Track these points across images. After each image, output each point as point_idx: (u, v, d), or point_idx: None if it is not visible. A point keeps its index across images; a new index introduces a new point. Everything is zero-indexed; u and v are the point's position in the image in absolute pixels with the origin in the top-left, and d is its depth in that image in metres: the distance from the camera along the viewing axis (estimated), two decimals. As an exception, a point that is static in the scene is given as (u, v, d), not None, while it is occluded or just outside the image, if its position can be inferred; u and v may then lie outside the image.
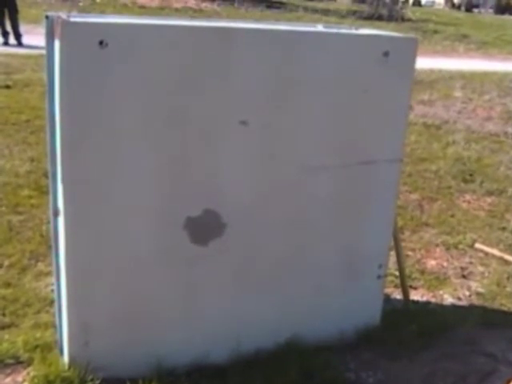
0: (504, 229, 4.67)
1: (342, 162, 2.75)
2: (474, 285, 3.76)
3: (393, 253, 3.34)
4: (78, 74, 2.20)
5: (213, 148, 2.48)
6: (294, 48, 2.51)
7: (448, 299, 3.57)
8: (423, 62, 5.68)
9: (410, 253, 4.10)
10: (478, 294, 3.65)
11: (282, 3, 23.98)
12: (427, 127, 7.69)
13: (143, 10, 17.81)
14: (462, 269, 3.96)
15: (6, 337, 2.81)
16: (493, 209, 5.09)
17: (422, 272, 3.86)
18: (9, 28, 11.56)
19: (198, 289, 2.63)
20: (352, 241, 2.91)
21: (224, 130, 2.49)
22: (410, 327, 3.04)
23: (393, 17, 22.69)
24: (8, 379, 2.58)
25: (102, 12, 13.96)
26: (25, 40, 11.47)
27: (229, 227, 2.58)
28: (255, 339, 2.71)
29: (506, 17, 32.44)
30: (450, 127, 7.81)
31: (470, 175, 5.86)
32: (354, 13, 23.03)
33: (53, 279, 2.69)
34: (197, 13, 19.01)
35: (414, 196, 5.24)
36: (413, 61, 2.76)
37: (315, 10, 22.68)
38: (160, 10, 18.33)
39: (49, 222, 2.80)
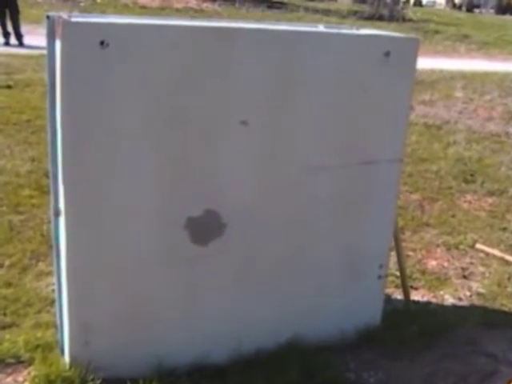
0: (505, 229, 4.67)
1: (342, 162, 2.75)
2: (474, 285, 3.76)
3: (393, 253, 3.34)
4: (78, 74, 2.21)
5: (213, 148, 2.49)
6: (295, 48, 2.51)
7: (449, 299, 3.57)
8: (424, 63, 5.68)
9: (410, 253, 4.10)
10: (478, 294, 3.65)
11: (282, 3, 23.99)
12: (428, 127, 7.68)
13: (144, 10, 17.82)
14: (463, 269, 3.95)
15: (7, 336, 2.81)
16: (494, 209, 5.09)
17: (423, 272, 3.86)
18: (10, 28, 11.57)
19: (199, 289, 2.63)
20: (352, 241, 2.91)
21: (224, 130, 2.49)
22: (410, 327, 3.04)
23: (394, 17, 22.69)
24: (9, 379, 2.58)
25: (103, 12, 13.95)
26: (26, 40, 11.48)
27: (229, 227, 2.58)
28: (256, 339, 2.71)
29: (507, 17, 32.42)
30: (450, 127, 7.80)
31: (471, 175, 5.85)
32: (355, 13, 23.03)
33: (53, 279, 2.70)
34: (198, 13, 19.01)
35: (415, 196, 5.23)
36: (414, 61, 2.76)
37: (316, 11, 22.69)
38: (161, 10, 18.34)
39: (49, 222, 2.80)
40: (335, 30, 3.01)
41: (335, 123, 2.70)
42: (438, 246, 4.28)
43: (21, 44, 11.49)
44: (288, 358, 2.70)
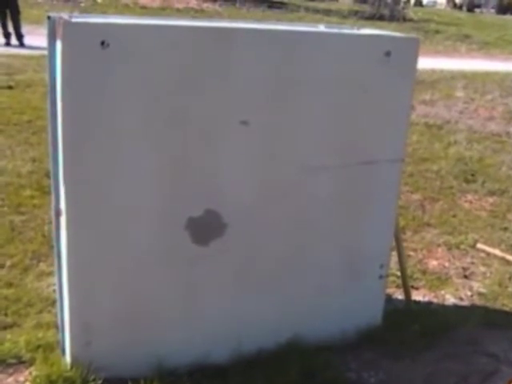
0: (506, 229, 4.66)
1: (343, 162, 2.75)
2: (475, 285, 3.76)
3: (394, 253, 3.34)
4: (79, 75, 2.21)
5: (213, 148, 2.49)
6: (295, 48, 2.51)
7: (450, 299, 3.57)
8: (425, 62, 5.68)
9: (411, 253, 4.10)
10: (479, 294, 3.65)
11: (283, 3, 24.00)
12: (429, 127, 7.68)
13: (144, 11, 17.84)
14: (464, 269, 3.95)
15: (9, 337, 2.81)
16: (495, 209, 5.08)
17: (424, 272, 3.86)
18: (11, 29, 11.58)
19: (199, 289, 2.63)
20: (353, 241, 2.91)
21: (224, 130, 2.49)
22: (411, 327, 3.04)
23: (394, 17, 22.71)
24: (10, 379, 2.58)
25: (104, 12, 13.97)
26: (26, 41, 11.48)
27: (230, 227, 2.59)
28: (256, 339, 2.71)
29: (508, 17, 32.42)
30: (451, 127, 7.80)
31: (472, 175, 5.85)
32: (356, 13, 23.04)
33: (55, 279, 2.70)
34: (198, 13, 19.03)
35: (416, 196, 5.23)
36: (414, 61, 2.76)
37: (317, 11, 22.70)
38: (161, 11, 18.35)
39: (51, 222, 2.81)
40: (335, 30, 3.01)
41: (336, 123, 2.70)
42: (438, 245, 4.28)
43: (21, 44, 11.49)
44: (288, 357, 2.70)
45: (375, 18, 22.26)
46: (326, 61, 2.58)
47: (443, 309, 3.42)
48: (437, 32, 20.70)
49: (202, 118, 2.43)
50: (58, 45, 2.21)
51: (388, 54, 2.65)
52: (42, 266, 3.50)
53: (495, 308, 3.50)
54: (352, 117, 2.71)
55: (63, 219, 2.40)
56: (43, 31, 2.44)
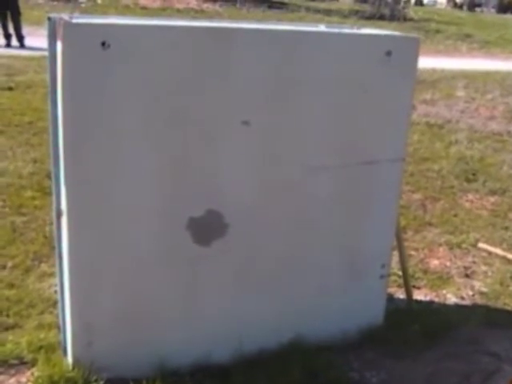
0: (507, 228, 4.66)
1: (344, 161, 2.75)
2: (477, 284, 3.75)
3: (396, 252, 3.34)
4: (80, 75, 2.21)
5: (214, 148, 2.49)
6: (295, 48, 2.51)
7: (451, 299, 3.57)
8: (425, 62, 5.69)
9: (413, 252, 4.10)
10: (481, 293, 3.65)
11: (283, 3, 24.00)
12: (430, 127, 7.68)
13: (145, 11, 17.84)
14: (465, 268, 3.95)
15: (10, 337, 2.81)
16: (496, 208, 5.08)
17: (425, 271, 3.86)
18: (11, 30, 11.58)
19: (201, 289, 2.63)
20: (354, 241, 2.91)
21: (225, 130, 2.49)
22: (413, 327, 3.04)
23: (395, 16, 22.70)
24: (12, 380, 2.59)
25: (104, 13, 13.98)
26: (27, 42, 11.49)
27: (231, 227, 2.59)
28: (258, 339, 2.71)
29: (509, 16, 32.40)
30: (452, 126, 7.80)
31: (473, 174, 5.85)
32: (356, 13, 23.03)
33: (56, 280, 2.70)
34: (198, 13, 19.03)
35: (417, 196, 5.23)
36: (415, 60, 2.75)
37: (317, 10, 22.70)
38: (162, 11, 18.36)
39: (52, 223, 2.81)
40: (336, 30, 3.01)
41: (336, 123, 2.70)
42: (440, 245, 4.28)
43: (22, 45, 11.50)
44: (290, 357, 2.70)
45: (376, 17, 22.25)
46: (327, 61, 2.58)
47: (445, 308, 3.42)
48: (437, 31, 20.69)
49: (202, 118, 2.43)
50: (59, 45, 2.21)
51: (389, 53, 2.65)
52: (44, 267, 3.50)
53: (497, 307, 3.50)
54: (353, 116, 2.71)
55: (64, 220, 2.40)
56: (44, 32, 2.44)
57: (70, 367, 2.51)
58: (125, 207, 2.42)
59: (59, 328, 2.71)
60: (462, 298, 3.58)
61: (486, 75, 12.08)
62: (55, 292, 2.97)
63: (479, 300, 3.58)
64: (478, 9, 37.62)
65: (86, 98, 2.24)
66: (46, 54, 2.36)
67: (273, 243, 2.72)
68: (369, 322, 2.99)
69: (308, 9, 22.59)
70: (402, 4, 25.38)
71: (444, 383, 2.78)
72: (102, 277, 2.45)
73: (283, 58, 2.50)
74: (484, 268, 3.98)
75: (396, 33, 3.07)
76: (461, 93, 9.96)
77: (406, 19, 22.95)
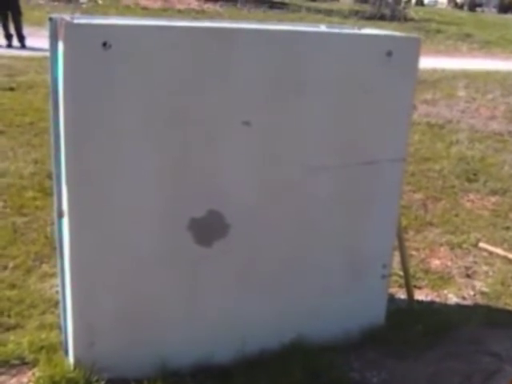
0: (508, 228, 4.66)
1: (345, 162, 2.75)
2: (478, 284, 3.75)
3: (397, 252, 3.33)
4: (81, 76, 2.21)
5: (215, 148, 2.49)
6: (296, 48, 2.51)
7: (452, 299, 3.57)
8: (426, 62, 5.68)
9: (414, 252, 4.10)
10: (482, 293, 3.65)
11: (284, 4, 24.00)
12: (431, 127, 7.68)
13: (146, 12, 17.84)
14: (467, 268, 3.95)
15: (12, 338, 2.82)
16: (497, 208, 5.08)
17: (427, 271, 3.86)
18: (12, 30, 11.59)
19: (202, 289, 2.63)
20: (356, 241, 2.91)
21: (226, 130, 2.49)
22: (414, 327, 3.04)
23: (395, 16, 22.69)
24: (13, 380, 2.59)
25: (105, 14, 13.98)
26: (28, 42, 11.49)
27: (232, 228, 2.59)
28: (259, 340, 2.71)
29: (509, 16, 32.39)
30: (453, 126, 7.80)
31: (474, 174, 5.85)
32: (357, 13, 23.02)
33: (57, 280, 2.70)
34: (199, 14, 19.04)
35: (418, 195, 5.23)
36: (416, 60, 2.76)
37: (318, 11, 22.70)
38: (162, 12, 18.37)
39: (53, 224, 2.81)
40: (337, 30, 3.01)
41: (337, 123, 2.70)
42: (441, 245, 4.28)
43: (23, 46, 11.50)
44: (292, 358, 2.70)
45: (376, 17, 22.24)
46: (328, 61, 2.58)
47: (446, 308, 3.42)
48: (438, 31, 20.68)
49: (203, 118, 2.43)
50: (60, 46, 2.22)
51: (389, 53, 2.65)
52: (45, 268, 3.51)
53: (498, 307, 3.50)
54: (353, 117, 2.71)
55: (66, 220, 2.40)
56: (45, 33, 2.45)
57: (72, 367, 2.51)
58: (126, 208, 2.42)
59: (60, 328, 2.71)
60: (463, 298, 3.58)
61: (487, 75, 12.08)
62: (56, 292, 2.97)
63: (480, 300, 3.57)
64: (478, 9, 37.59)
65: (87, 98, 2.24)
66: (47, 54, 2.36)
67: (274, 243, 2.72)
68: (370, 322, 2.99)
69: (309, 9, 22.59)
70: (402, 4, 25.38)
71: (445, 383, 2.78)
72: (104, 277, 2.46)
73: (284, 59, 2.50)
74: (485, 268, 3.98)
75: (397, 33, 3.07)
76: (461, 93, 9.96)
77: (406, 19, 22.95)
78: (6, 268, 3.47)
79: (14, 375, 2.61)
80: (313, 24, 3.26)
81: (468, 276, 3.86)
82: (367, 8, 24.22)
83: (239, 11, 20.78)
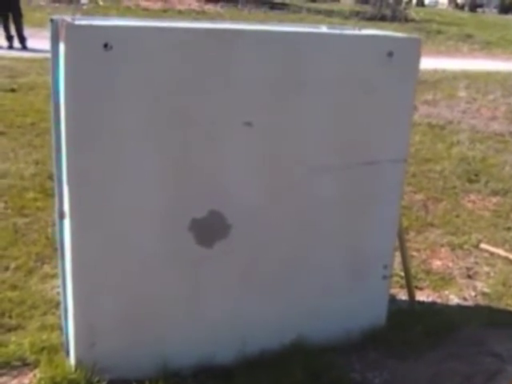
0: (509, 229, 4.66)
1: (346, 162, 2.75)
2: (479, 285, 3.75)
3: (398, 253, 3.34)
4: (82, 77, 2.22)
5: (217, 149, 2.49)
6: (297, 49, 2.52)
7: (454, 299, 3.57)
8: (427, 63, 5.68)
9: (415, 253, 4.10)
10: (483, 294, 3.65)
11: (285, 4, 24.02)
12: (431, 127, 7.68)
13: (146, 13, 17.85)
14: (468, 269, 3.95)
15: (13, 339, 2.81)
16: (498, 209, 5.08)
17: (428, 272, 3.86)
18: (13, 32, 11.61)
19: (204, 290, 2.63)
20: (357, 241, 2.91)
21: (228, 131, 2.49)
22: (415, 327, 3.04)
23: (396, 17, 22.70)
24: (14, 381, 2.59)
25: (106, 15, 13.99)
26: (29, 44, 11.51)
27: (234, 228, 2.59)
28: (260, 340, 2.71)
29: (510, 16, 32.38)
30: (454, 127, 7.79)
31: (475, 175, 5.85)
32: (357, 13, 23.03)
33: (59, 281, 2.70)
34: (200, 15, 19.05)
35: (419, 196, 5.23)
36: (417, 61, 2.76)
37: (318, 11, 22.71)
38: (163, 13, 18.38)
39: (54, 225, 2.81)
40: (338, 31, 3.01)
41: (339, 124, 2.70)
42: (442, 245, 4.28)
43: (24, 47, 11.52)
44: (293, 358, 2.70)
45: (377, 18, 22.24)
46: (329, 61, 2.58)
47: (447, 309, 3.42)
48: (439, 32, 20.68)
49: (204, 119, 2.43)
50: (61, 47, 2.22)
51: (390, 54, 2.65)
52: (46, 268, 3.51)
53: (499, 308, 3.50)
54: (355, 117, 2.71)
55: (67, 221, 2.40)
56: (46, 34, 2.45)
57: (73, 368, 2.51)
58: (127, 208, 2.42)
59: (62, 329, 2.71)
60: (465, 299, 3.58)
61: (488, 76, 12.08)
62: (58, 293, 2.97)
63: (481, 301, 3.57)
64: (479, 9, 37.60)
65: (89, 99, 2.24)
66: (48, 55, 2.36)
67: (275, 244, 2.72)
68: (371, 323, 2.98)
69: (309, 10, 22.60)
70: (403, 5, 25.37)
71: (446, 384, 2.78)
72: (105, 278, 2.46)
73: (285, 59, 2.50)
74: (486, 269, 3.98)
75: (397, 33, 3.07)
76: (462, 93, 9.96)
77: (407, 20, 22.95)
78: (7, 269, 3.47)
79: (15, 376, 2.61)
80: (314, 25, 3.26)
81: (469, 277, 3.85)
82: (368, 9, 24.23)
83: (240, 12, 20.79)
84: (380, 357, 2.90)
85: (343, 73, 2.63)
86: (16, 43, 11.59)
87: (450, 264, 4.01)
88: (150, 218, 2.47)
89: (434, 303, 3.50)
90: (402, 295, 3.47)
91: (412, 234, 4.42)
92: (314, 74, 2.57)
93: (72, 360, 2.55)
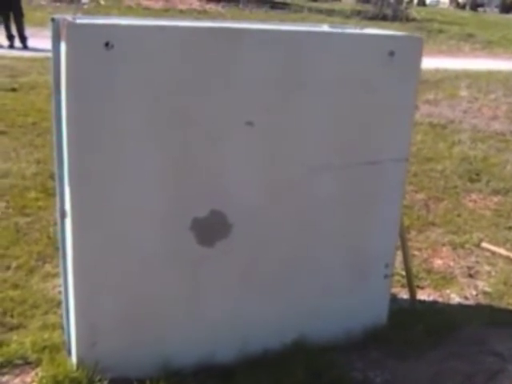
0: (510, 228, 4.66)
1: (347, 162, 2.75)
2: (480, 284, 3.75)
3: (399, 252, 3.34)
4: (84, 76, 2.22)
5: (218, 148, 2.49)
6: (299, 48, 2.52)
7: (455, 298, 3.57)
8: (428, 62, 5.68)
9: (416, 252, 4.10)
10: (484, 293, 3.65)
11: (286, 4, 24.00)
12: (433, 127, 7.67)
13: (147, 12, 17.85)
14: (469, 268, 3.95)
15: (15, 338, 2.82)
16: (499, 208, 5.08)
17: (429, 271, 3.86)
18: (14, 31, 11.61)
19: (204, 289, 2.63)
20: (358, 240, 2.91)
21: (229, 130, 2.49)
22: (417, 327, 3.04)
23: (397, 17, 22.68)
24: (17, 380, 2.59)
25: (107, 14, 13.99)
26: (30, 43, 11.53)
27: (235, 227, 2.59)
28: (261, 339, 2.71)
29: (511, 16, 32.32)
30: (455, 127, 7.79)
31: (476, 174, 5.84)
32: (359, 13, 23.02)
33: (60, 280, 2.71)
34: (201, 14, 19.04)
35: (420, 196, 5.23)
36: (418, 60, 2.75)
37: (320, 11, 22.68)
38: (164, 12, 18.38)
39: (56, 224, 2.81)
40: (339, 30, 3.01)
41: (340, 123, 2.70)
42: (443, 245, 4.28)
43: (25, 47, 11.53)
44: (294, 358, 2.70)
45: (378, 17, 22.22)
46: (330, 61, 2.58)
47: (448, 308, 3.42)
48: (440, 31, 20.66)
49: (206, 118, 2.43)
50: (63, 46, 2.22)
51: (392, 53, 2.65)
52: (48, 268, 3.51)
53: (500, 307, 3.50)
54: (356, 116, 2.71)
55: (68, 220, 2.40)
56: (47, 33, 2.45)
57: (75, 367, 2.51)
58: (128, 208, 2.42)
59: (63, 328, 2.72)
60: (466, 298, 3.58)
61: (489, 75, 12.07)
62: (59, 292, 2.98)
63: (483, 300, 3.57)
64: (480, 9, 37.52)
65: (90, 98, 2.25)
66: (48, 55, 2.36)
67: (276, 243, 2.72)
68: (372, 322, 2.98)
69: (310, 9, 22.59)
70: (404, 4, 25.35)
71: (448, 383, 2.77)
72: (106, 277, 2.46)
73: (287, 58, 2.50)
74: (487, 268, 3.98)
75: (399, 33, 3.07)
76: (464, 93, 9.95)
77: (408, 19, 22.91)
78: (8, 268, 3.47)
79: (17, 375, 2.62)
80: (315, 24, 3.26)
81: (470, 276, 3.85)
82: (369, 8, 24.20)
83: (241, 11, 20.78)
84: (381, 356, 2.90)
85: (345, 72, 2.63)
86: (17, 43, 11.61)
87: (452, 263, 4.01)
88: (151, 218, 2.47)
89: (435, 302, 3.50)
90: (403, 294, 3.47)
91: (413, 233, 4.42)
92: (316, 74, 2.57)
93: (74, 359, 2.56)
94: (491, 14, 34.92)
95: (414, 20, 23.19)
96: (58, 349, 2.72)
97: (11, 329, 2.92)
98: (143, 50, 2.27)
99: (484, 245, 4.29)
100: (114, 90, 2.27)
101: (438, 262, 4.01)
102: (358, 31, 3.00)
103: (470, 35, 20.54)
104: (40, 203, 4.37)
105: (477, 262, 4.05)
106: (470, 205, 5.12)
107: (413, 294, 3.38)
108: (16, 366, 2.66)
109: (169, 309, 2.61)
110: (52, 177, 3.82)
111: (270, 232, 2.69)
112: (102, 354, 2.49)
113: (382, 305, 3.05)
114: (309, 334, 2.79)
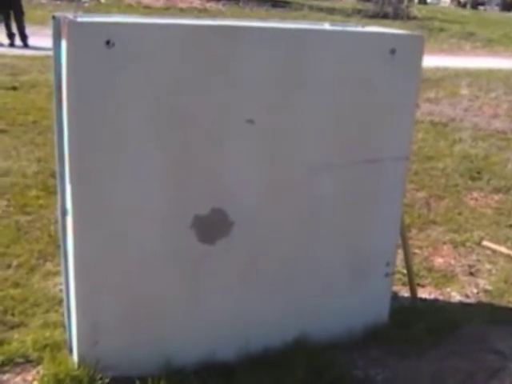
0: (511, 226, 4.65)
1: (348, 160, 2.74)
2: (481, 282, 3.75)
3: (400, 251, 3.34)
4: (84, 74, 2.21)
5: (219, 147, 2.49)
6: (300, 46, 2.51)
7: (456, 297, 3.57)
8: (429, 60, 5.67)
9: (417, 251, 4.10)
10: (485, 291, 3.65)
11: (286, 2, 23.97)
12: (434, 125, 7.67)
13: (148, 10, 17.86)
14: (470, 266, 3.95)
15: (16, 336, 2.82)
16: (500, 206, 5.07)
17: (430, 270, 3.86)
18: (15, 30, 11.61)
19: (205, 288, 2.63)
20: (359, 239, 2.90)
21: (230, 129, 2.49)
22: (417, 325, 3.04)
23: (398, 15, 22.65)
24: (18, 378, 2.59)
25: (108, 12, 13.98)
26: (31, 41, 11.52)
27: (236, 226, 2.59)
28: (263, 338, 2.71)
29: (512, 14, 32.30)
30: (456, 125, 7.79)
31: (477, 173, 5.84)
32: (360, 11, 22.99)
33: (61, 279, 2.71)
34: (202, 12, 19.03)
35: (421, 194, 5.23)
36: (419, 58, 2.75)
37: (320, 9, 22.65)
38: (165, 10, 18.36)
39: (57, 222, 2.81)
40: (340, 28, 3.00)
41: (341, 122, 2.69)
42: (444, 243, 4.28)
43: (25, 45, 11.53)
44: (295, 356, 2.70)
45: (379, 16, 22.20)
46: (331, 59, 2.58)
47: (449, 306, 3.42)
48: (441, 30, 20.64)
49: (207, 117, 2.43)
50: (63, 44, 2.22)
51: (393, 51, 2.65)
52: (49, 266, 3.51)
53: (501, 305, 3.50)
54: (357, 115, 2.71)
55: (69, 219, 2.40)
56: (47, 32, 2.45)
57: (76, 366, 2.51)
58: (129, 206, 2.42)
59: (64, 327, 2.72)
60: (467, 296, 3.58)
61: (490, 73, 12.05)
62: (60, 291, 2.98)
63: (484, 298, 3.57)
64: (481, 7, 37.49)
65: (91, 96, 2.24)
66: (49, 53, 2.36)
67: (276, 242, 2.72)
68: (373, 321, 2.98)
69: (311, 7, 22.57)
70: (405, 2, 25.31)
71: (449, 381, 2.77)
72: (107, 276, 2.46)
73: (287, 57, 2.49)
74: (488, 266, 3.98)
75: (400, 31, 3.06)
76: (464, 91, 9.95)
77: (409, 18, 22.90)
78: (9, 266, 3.48)
79: (18, 373, 2.62)
80: (316, 22, 3.26)
81: (471, 274, 3.85)
82: (370, 6, 24.16)
83: (241, 10, 20.76)
84: (382, 354, 2.90)
85: (345, 70, 2.63)
86: (17, 41, 11.60)
87: (452, 261, 4.01)
88: (151, 217, 2.47)
89: (435, 300, 3.50)
90: (404, 292, 3.47)
91: (414, 231, 4.41)
92: (317, 72, 2.57)
93: (75, 357, 2.56)
94: (492, 12, 34.90)
95: (415, 18, 23.17)
96: (59, 347, 2.72)
97: (12, 327, 2.92)
98: (144, 48, 2.27)
99: (485, 243, 4.29)
100: (115, 89, 2.26)
101: (438, 261, 4.01)
102: (359, 29, 3.00)
103: (471, 34, 20.51)
104: (41, 201, 4.38)
105: (478, 260, 4.05)
106: (471, 203, 5.11)
107: (414, 292, 3.38)
108: (17, 364, 2.66)
109: (170, 308, 2.61)
110: (53, 175, 3.82)
111: (270, 231, 2.69)
112: (103, 352, 2.49)
113: (383, 303, 3.05)
114: (310, 332, 2.79)
